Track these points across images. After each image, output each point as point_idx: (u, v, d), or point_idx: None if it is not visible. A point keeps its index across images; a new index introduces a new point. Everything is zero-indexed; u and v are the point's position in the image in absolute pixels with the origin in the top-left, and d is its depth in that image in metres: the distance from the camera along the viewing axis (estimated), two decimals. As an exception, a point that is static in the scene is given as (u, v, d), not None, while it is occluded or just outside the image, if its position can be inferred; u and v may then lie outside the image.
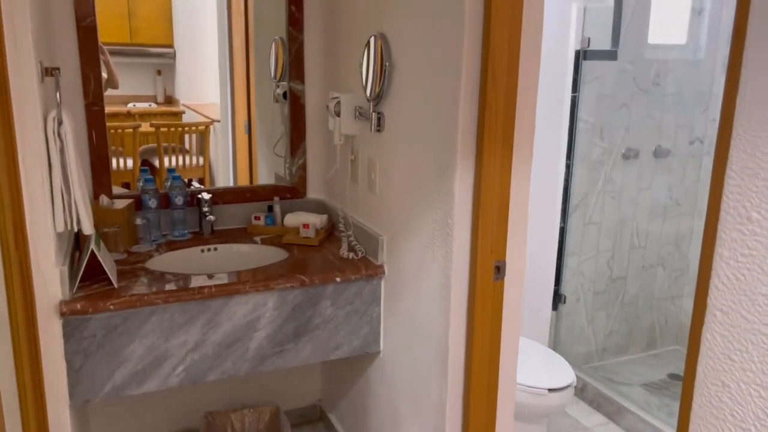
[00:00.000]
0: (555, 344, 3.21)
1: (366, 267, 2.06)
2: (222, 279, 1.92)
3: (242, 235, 2.40)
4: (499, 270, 1.68)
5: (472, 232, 1.65)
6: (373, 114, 2.01)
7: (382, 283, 2.09)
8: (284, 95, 2.62)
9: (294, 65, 2.48)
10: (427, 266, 1.80)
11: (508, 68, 1.54)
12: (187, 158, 2.77)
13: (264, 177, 2.75)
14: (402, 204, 1.93)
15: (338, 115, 2.19)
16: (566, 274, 3.13)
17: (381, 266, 2.07)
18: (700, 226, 3.36)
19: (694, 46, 3.18)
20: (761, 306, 0.89)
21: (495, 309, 1.70)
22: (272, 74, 2.67)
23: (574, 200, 3.06)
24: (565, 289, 3.15)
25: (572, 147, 3.00)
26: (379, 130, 2.02)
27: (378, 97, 1.99)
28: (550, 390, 2.31)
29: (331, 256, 2.16)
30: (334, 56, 2.40)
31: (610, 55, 2.99)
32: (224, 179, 2.78)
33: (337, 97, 2.18)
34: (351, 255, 2.13)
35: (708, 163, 3.29)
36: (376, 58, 1.96)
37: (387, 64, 1.91)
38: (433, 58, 1.67)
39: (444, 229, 1.69)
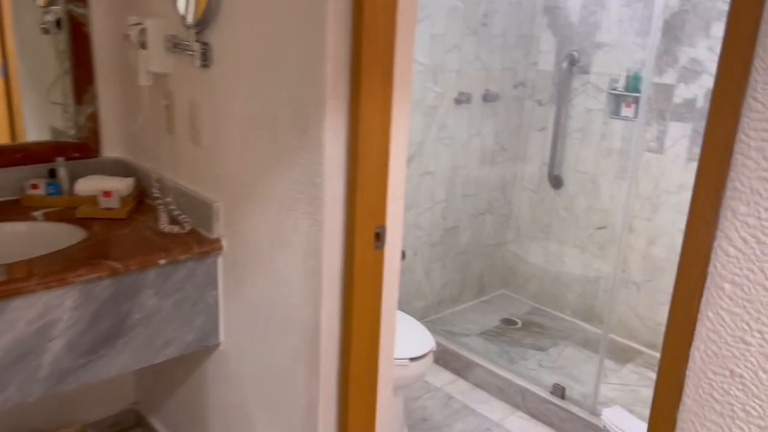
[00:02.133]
0: (395, 302, 3.04)
1: (198, 243, 1.62)
2: (-8, 276, 1.36)
3: (14, 209, 1.79)
4: (379, 237, 1.37)
5: (347, 192, 1.32)
6: (197, 45, 1.55)
7: (219, 261, 1.67)
8: (58, 23, 1.99)
9: (71, -20, 1.87)
10: (287, 237, 1.43)
11: (389, -19, 1.21)
12: None
13: (34, 133, 2.11)
14: (243, 161, 1.52)
15: (144, 47, 1.67)
16: (404, 228, 2.95)
17: (217, 240, 1.65)
18: (523, 170, 3.39)
19: (516, -14, 3.10)
20: (796, 275, 0.70)
21: (375, 283, 1.40)
22: (37, -4, 2.01)
23: (410, 149, 2.86)
24: (404, 244, 2.97)
25: (407, 91, 2.77)
26: (205, 66, 1.56)
27: (202, 23, 1.52)
28: (411, 359, 2.10)
29: (148, 232, 1.68)
30: (129, -30, 1.84)
31: (442, -10, 2.78)
32: (-27, 138, 2.08)
33: (140, 24, 1.66)
34: (175, 229, 1.67)
35: (530, 107, 3.30)
36: (197, -32, 1.48)
37: (214, -24, 1.45)
38: (284, -34, 1.27)
39: (310, 191, 1.33)
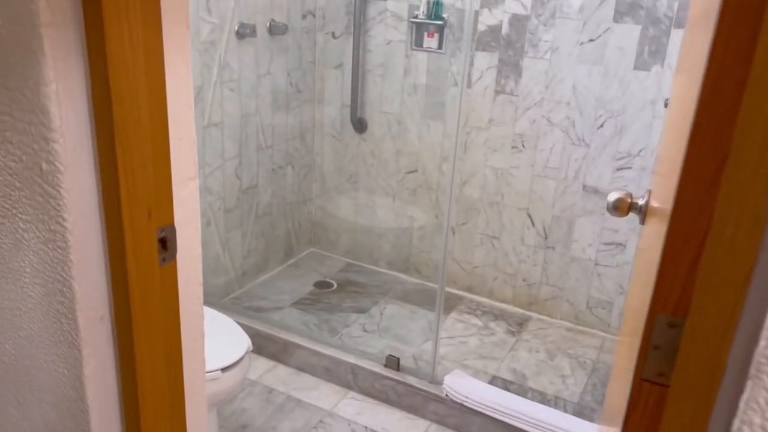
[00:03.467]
0: (189, 285, 2.51)
1: None
2: None
3: None
4: (166, 244, 0.89)
5: (103, 180, 0.81)
6: None
7: None
8: None
9: None
10: (7, 261, 0.88)
11: None
12: None
13: None
14: None
15: None
16: (192, 195, 2.40)
17: None
18: (321, 114, 3.00)
19: None
20: None
21: (168, 312, 0.92)
22: None
23: (187, 97, 2.28)
24: (193, 214, 2.43)
25: (176, 22, 2.17)
26: None
27: None
28: (224, 370, 1.65)
29: None
30: None
31: None
32: None
33: None
34: None
35: (323, 40, 2.88)
36: None
37: None
38: None
39: (36, 184, 0.80)
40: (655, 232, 0.95)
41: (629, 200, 1.16)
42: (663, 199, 0.97)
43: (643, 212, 1.15)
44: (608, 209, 1.17)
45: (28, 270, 0.86)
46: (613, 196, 1.17)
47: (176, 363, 0.95)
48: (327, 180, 3.08)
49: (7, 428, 1.00)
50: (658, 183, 1.10)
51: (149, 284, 0.87)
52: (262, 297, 2.75)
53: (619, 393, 1.03)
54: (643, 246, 1.12)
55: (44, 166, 0.78)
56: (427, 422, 2.11)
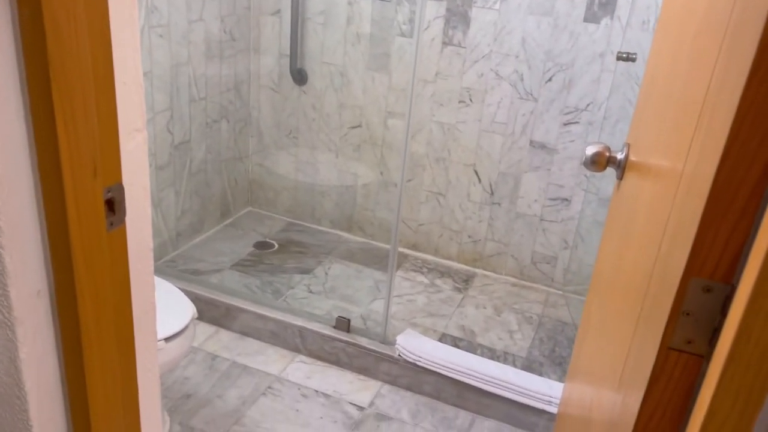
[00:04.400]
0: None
1: None
2: None
3: None
4: (114, 206, 0.77)
5: (36, 129, 0.67)
6: None
7: None
8: None
9: None
10: None
11: None
12: None
13: None
14: None
15: None
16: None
17: None
18: (257, 64, 2.82)
19: None
20: None
21: (117, 284, 0.80)
22: None
23: (112, 42, 2.07)
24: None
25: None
26: None
27: None
28: (167, 340, 1.54)
29: None
30: None
31: None
32: None
33: None
34: None
35: (259, -16, 2.69)
36: None
37: None
38: None
39: (-51, 135, 0.65)
40: (648, 188, 0.91)
41: (607, 154, 1.11)
42: (653, 154, 0.93)
43: (622, 167, 1.11)
44: (585, 164, 1.12)
45: (-57, 238, 0.72)
46: (590, 150, 1.12)
47: (127, 340, 0.84)
48: (265, 135, 2.93)
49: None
50: (641, 137, 1.05)
51: (96, 252, 0.74)
52: (199, 259, 2.61)
53: (595, 355, 1.00)
54: (624, 201, 1.08)
55: (-40, 111, 0.63)
56: (379, 383, 2.07)
